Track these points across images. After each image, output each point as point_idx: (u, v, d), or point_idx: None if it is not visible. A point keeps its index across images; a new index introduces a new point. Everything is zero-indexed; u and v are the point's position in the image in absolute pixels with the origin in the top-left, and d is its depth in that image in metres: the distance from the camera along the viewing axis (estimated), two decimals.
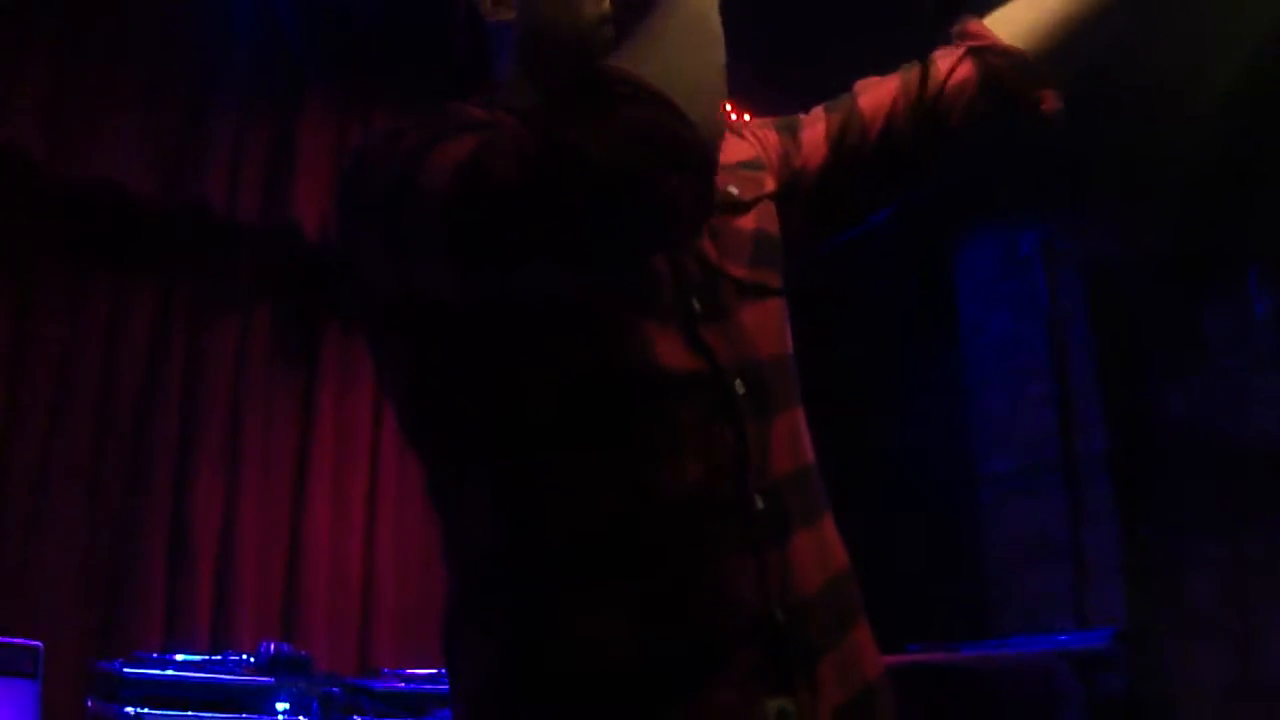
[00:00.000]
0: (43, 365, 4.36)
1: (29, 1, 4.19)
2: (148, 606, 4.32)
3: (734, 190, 1.37)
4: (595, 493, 1.14)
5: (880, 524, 5.05)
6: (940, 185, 1.55)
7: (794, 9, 4.23)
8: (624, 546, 1.13)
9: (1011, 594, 5.32)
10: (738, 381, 1.21)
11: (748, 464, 1.18)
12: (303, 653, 3.72)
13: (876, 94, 1.48)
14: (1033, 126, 1.46)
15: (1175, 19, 3.68)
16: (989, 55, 1.45)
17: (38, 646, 3.43)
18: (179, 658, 3.52)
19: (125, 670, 3.35)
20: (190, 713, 3.31)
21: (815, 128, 1.49)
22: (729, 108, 4.96)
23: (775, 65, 4.18)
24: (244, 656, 3.58)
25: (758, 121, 1.53)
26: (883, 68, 1.52)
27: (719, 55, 1.09)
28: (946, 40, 1.51)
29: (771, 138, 1.49)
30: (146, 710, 3.24)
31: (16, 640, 3.42)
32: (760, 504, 1.18)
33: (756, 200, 1.39)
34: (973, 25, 1.49)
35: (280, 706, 3.45)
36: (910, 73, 1.48)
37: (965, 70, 1.46)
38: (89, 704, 3.43)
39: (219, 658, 3.59)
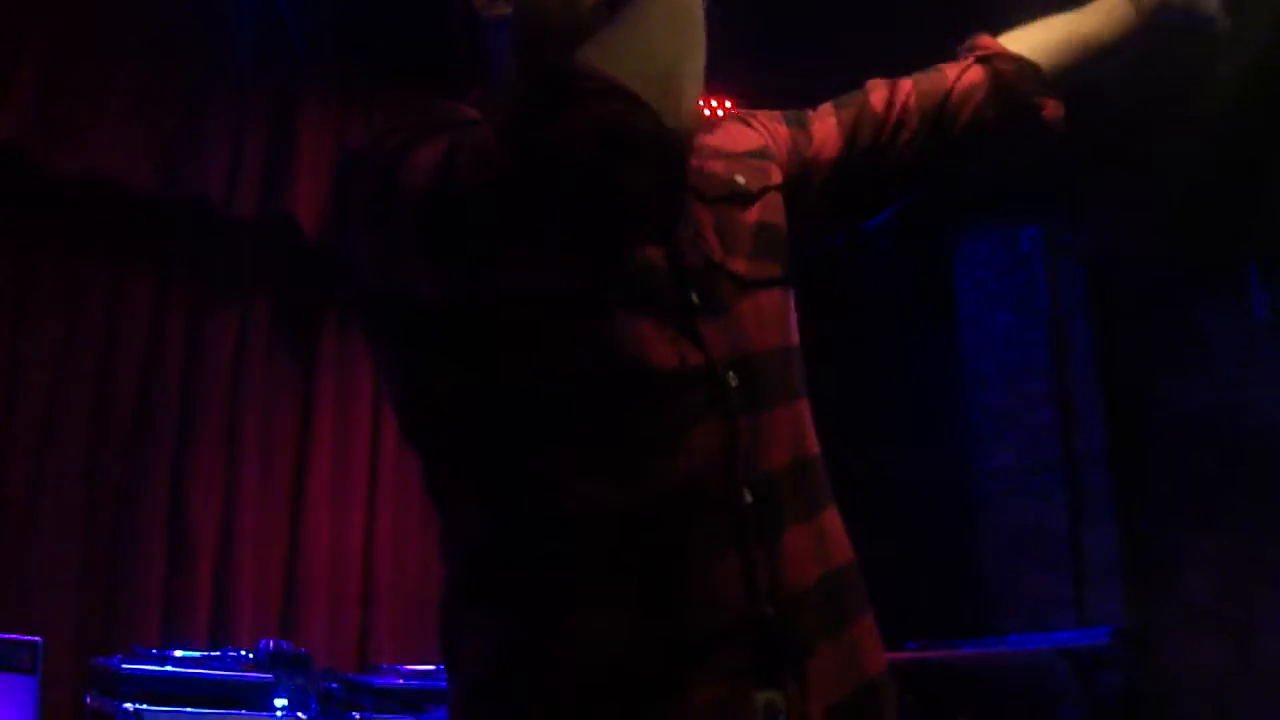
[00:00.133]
0: (41, 360, 4.36)
1: None
2: (146, 602, 4.32)
3: (741, 179, 1.36)
4: (585, 489, 1.14)
5: (879, 520, 5.05)
6: (945, 190, 1.56)
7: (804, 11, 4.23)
8: (612, 542, 1.13)
9: (1011, 590, 5.33)
10: (730, 374, 1.20)
11: (736, 457, 1.18)
12: (301, 649, 3.72)
13: (889, 93, 1.49)
14: (1035, 133, 1.50)
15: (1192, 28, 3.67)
16: (997, 61, 1.49)
17: (36, 642, 3.43)
18: (178, 654, 3.52)
19: (124, 666, 3.35)
20: (189, 709, 3.31)
21: (826, 121, 1.49)
22: (729, 103, 4.94)
23: (781, 64, 4.19)
24: (243, 652, 3.58)
25: (766, 113, 1.53)
26: (887, 69, 1.54)
27: (696, 45, 1.07)
28: (953, 56, 1.54)
29: (780, 130, 1.49)
30: (145, 706, 3.24)
31: (15, 636, 3.41)
32: (749, 498, 1.17)
33: (763, 191, 1.38)
34: (982, 39, 1.53)
35: (279, 703, 3.45)
36: (921, 76, 1.50)
37: (973, 75, 1.49)
38: (87, 700, 3.43)
39: (218, 654, 3.58)
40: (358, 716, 3.51)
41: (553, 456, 1.16)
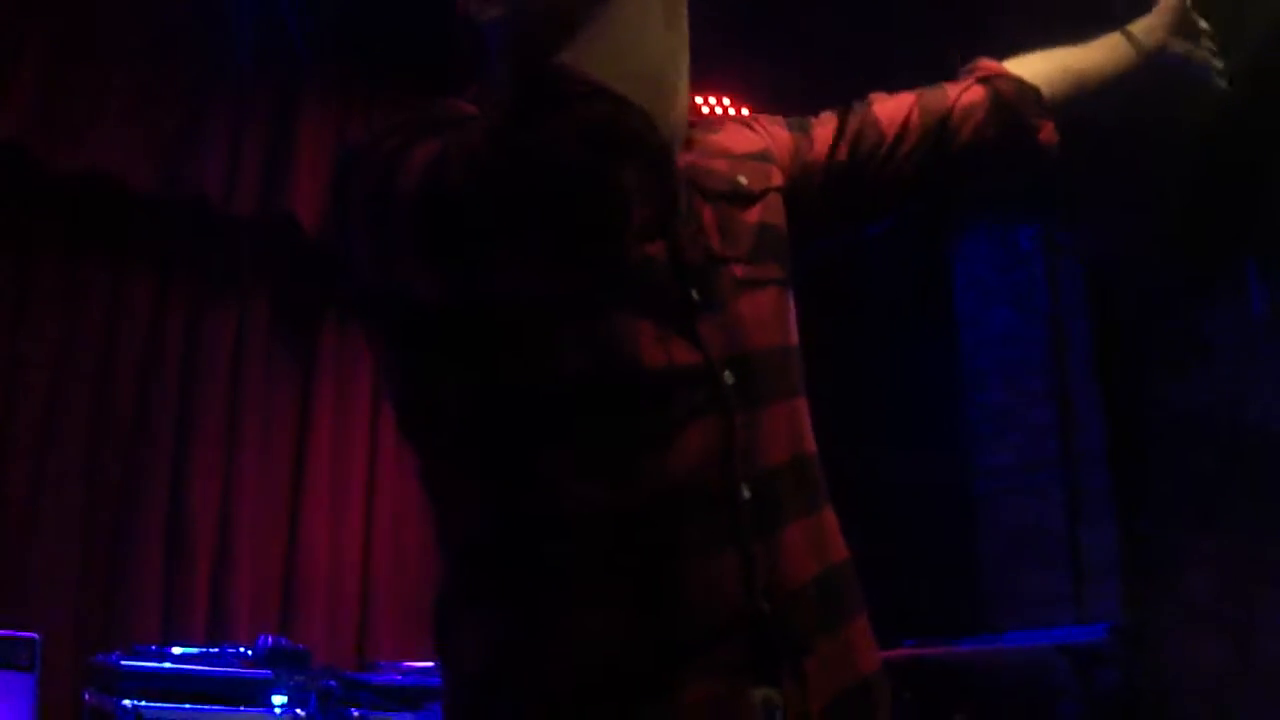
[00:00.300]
0: (41, 358, 4.36)
1: None
2: (145, 599, 4.32)
3: (743, 180, 1.37)
4: (583, 488, 1.14)
5: (878, 518, 5.05)
6: (942, 204, 1.58)
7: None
8: (610, 541, 1.13)
9: (1009, 589, 5.33)
10: (727, 372, 1.21)
11: (734, 455, 1.18)
12: (300, 646, 3.72)
13: (892, 105, 1.51)
14: (1031, 155, 1.53)
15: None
16: (997, 81, 1.51)
17: (35, 639, 3.43)
18: (176, 650, 3.52)
19: (122, 663, 3.35)
20: (187, 705, 3.31)
21: (828, 128, 1.50)
22: (727, 100, 4.94)
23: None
24: (241, 649, 3.59)
25: (767, 117, 1.53)
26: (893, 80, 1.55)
27: (681, 44, 1.07)
28: (954, 65, 1.57)
29: (781, 134, 1.49)
30: (144, 703, 3.24)
31: (13, 633, 3.42)
32: (747, 494, 1.17)
33: (764, 192, 1.38)
34: (984, 61, 1.55)
35: (278, 699, 3.45)
36: (923, 93, 1.52)
37: (974, 94, 1.51)
38: (86, 697, 3.44)
39: (216, 650, 3.59)
40: (356, 713, 3.51)
41: (551, 456, 1.16)
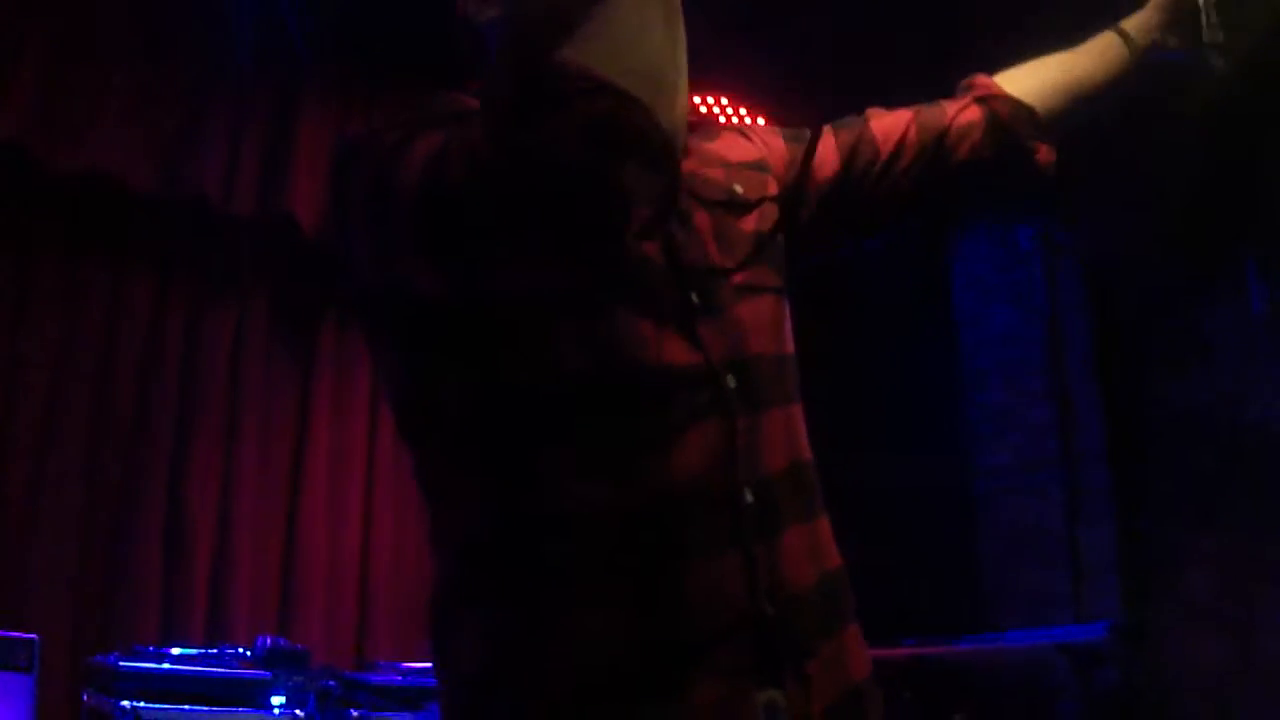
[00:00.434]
0: (40, 359, 4.35)
1: None
2: (144, 600, 4.32)
3: (739, 189, 1.37)
4: (585, 488, 1.14)
5: (878, 518, 5.05)
6: (937, 219, 1.60)
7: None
8: (612, 541, 1.13)
9: (1009, 588, 5.33)
10: (729, 376, 1.21)
11: (736, 458, 1.18)
12: (299, 646, 3.72)
13: (889, 121, 1.52)
14: (1027, 176, 1.54)
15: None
16: (994, 102, 1.52)
17: (33, 640, 3.42)
18: (175, 651, 3.51)
19: (121, 664, 3.34)
20: (186, 706, 3.31)
21: (825, 141, 1.51)
22: (725, 101, 4.93)
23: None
24: (240, 650, 3.58)
25: (764, 128, 1.55)
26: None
27: (679, 40, 1.06)
28: (951, 93, 1.57)
29: (778, 144, 1.50)
30: (142, 704, 3.24)
31: (12, 634, 3.41)
32: (750, 498, 1.18)
33: (760, 201, 1.39)
34: (980, 78, 1.55)
35: (276, 700, 3.45)
36: (921, 110, 1.53)
37: (971, 114, 1.51)
38: (85, 697, 3.43)
39: (215, 651, 3.58)
40: (355, 714, 3.50)
41: (552, 455, 1.16)
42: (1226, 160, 4.54)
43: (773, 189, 1.42)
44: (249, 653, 3.56)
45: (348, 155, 1.20)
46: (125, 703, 3.23)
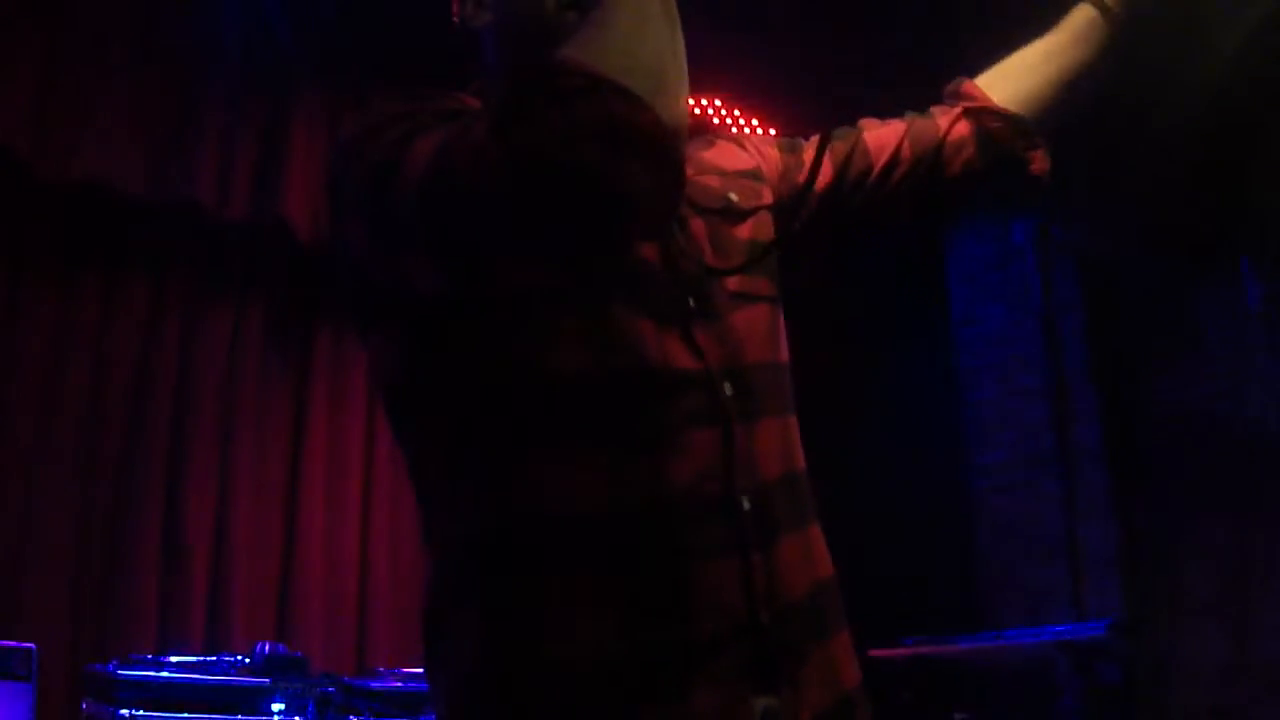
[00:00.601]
0: (34, 365, 4.34)
1: (14, 3, 4.16)
2: (141, 607, 4.30)
3: (734, 197, 1.39)
4: (582, 489, 1.14)
5: (875, 517, 5.05)
6: (929, 220, 1.61)
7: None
8: (610, 544, 1.13)
9: (1008, 585, 5.33)
10: (726, 384, 1.22)
11: (734, 465, 1.18)
12: (298, 653, 3.71)
13: (882, 133, 1.53)
14: (1022, 186, 1.57)
15: (1164, 10, 3.68)
16: (984, 117, 1.53)
17: (31, 649, 3.41)
18: (173, 659, 3.51)
19: (119, 672, 3.34)
20: (185, 714, 3.30)
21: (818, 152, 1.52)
22: (719, 101, 4.93)
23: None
24: (239, 657, 3.57)
25: (758, 136, 1.57)
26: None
27: (677, 40, 1.07)
28: (939, 99, 1.58)
29: (771, 153, 1.52)
30: (141, 712, 3.23)
31: (10, 643, 3.40)
32: (747, 505, 1.18)
33: (755, 210, 1.40)
34: (967, 86, 1.56)
35: (276, 707, 3.44)
36: (914, 121, 1.54)
37: (962, 129, 1.53)
38: (83, 706, 3.42)
39: (213, 659, 3.58)
40: None
41: (550, 455, 1.16)
42: (1220, 156, 4.54)
43: (767, 198, 1.44)
44: (247, 660, 3.55)
45: (349, 150, 1.19)
46: (124, 711, 3.22)
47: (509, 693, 1.14)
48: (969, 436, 5.67)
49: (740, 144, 1.52)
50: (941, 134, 1.52)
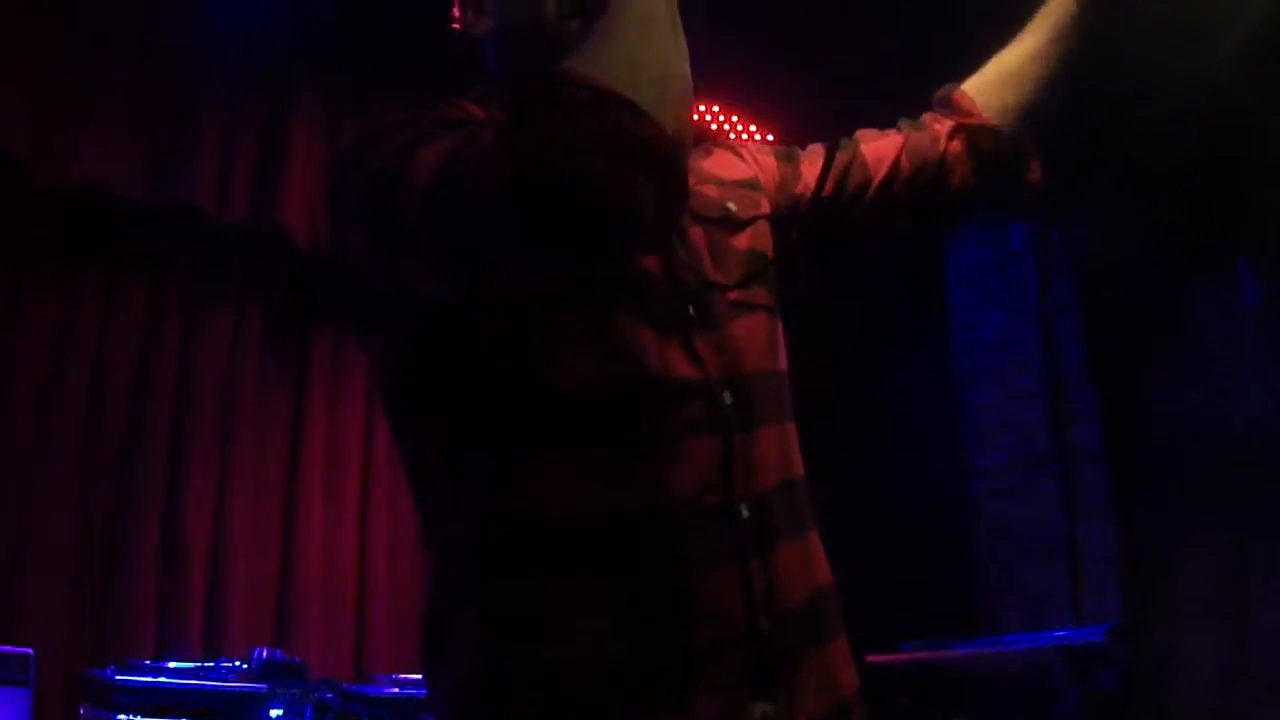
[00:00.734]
0: (33, 368, 4.34)
1: (12, 8, 4.17)
2: (139, 613, 4.30)
3: (732, 207, 1.39)
4: (577, 503, 1.15)
5: (874, 521, 5.05)
6: (926, 230, 1.62)
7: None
8: (610, 549, 1.14)
9: (1006, 589, 5.33)
10: (726, 393, 1.22)
11: (734, 473, 1.19)
12: (295, 658, 3.70)
13: (880, 146, 1.54)
14: (1017, 196, 1.60)
15: (1160, 11, 3.69)
16: (976, 136, 1.53)
17: (29, 654, 3.41)
18: (171, 665, 3.51)
19: (117, 677, 3.34)
20: None
21: (816, 163, 1.53)
22: (715, 106, 4.93)
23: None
24: (236, 663, 3.57)
25: (756, 145, 1.57)
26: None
27: (680, 52, 1.08)
28: (929, 106, 1.58)
29: (769, 163, 1.52)
30: (138, 717, 3.23)
31: (8, 648, 3.40)
32: (746, 513, 1.19)
33: (753, 219, 1.41)
34: (958, 96, 1.56)
35: (274, 713, 3.44)
36: (910, 135, 1.55)
37: (957, 146, 1.53)
38: (81, 711, 3.42)
39: (211, 664, 3.57)
40: None
41: (550, 461, 1.16)
42: (1216, 158, 4.54)
43: (765, 207, 1.44)
44: (245, 665, 3.55)
45: (350, 157, 1.19)
46: (121, 716, 3.23)
47: (509, 695, 1.14)
48: (967, 440, 5.67)
49: (738, 153, 1.52)
50: (939, 150, 1.53)
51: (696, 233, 1.32)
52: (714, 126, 5.03)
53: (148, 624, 4.30)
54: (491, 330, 1.17)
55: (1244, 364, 4.84)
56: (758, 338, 1.31)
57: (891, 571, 4.92)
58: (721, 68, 4.45)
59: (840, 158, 1.53)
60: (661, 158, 0.99)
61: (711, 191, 1.39)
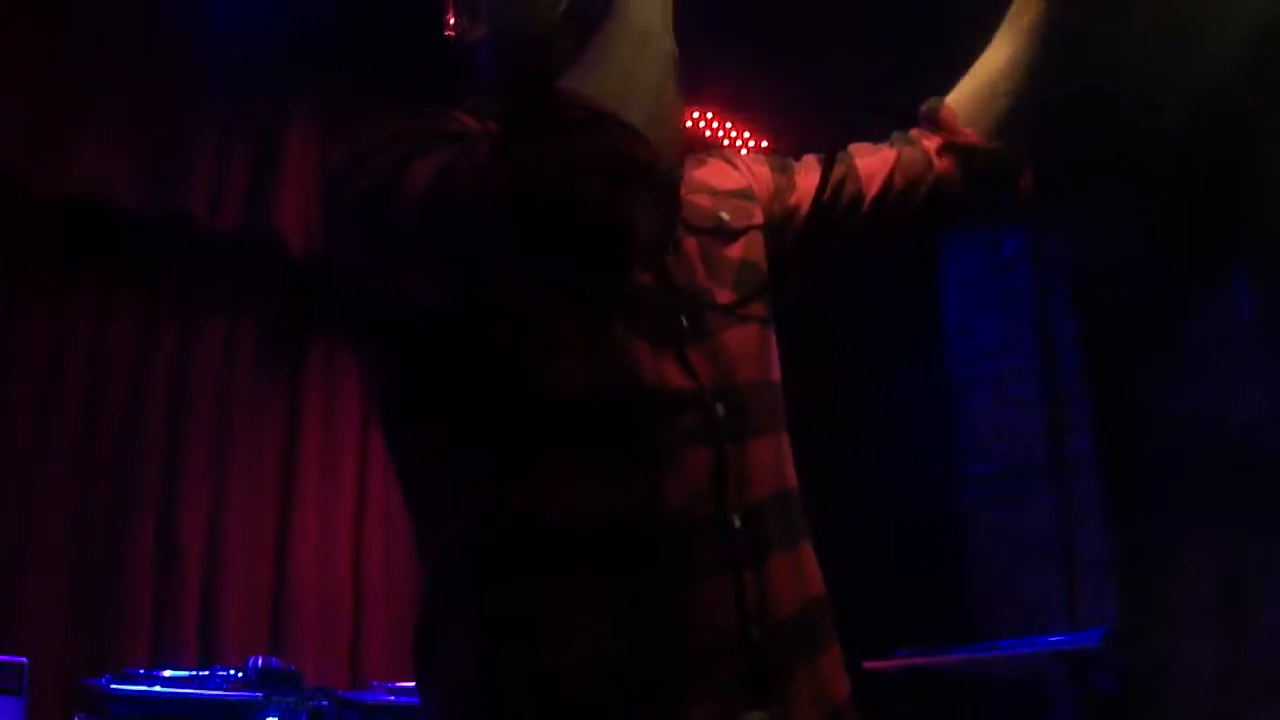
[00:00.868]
0: (28, 377, 4.34)
1: (8, 16, 4.17)
2: (134, 621, 4.29)
3: (726, 216, 1.40)
4: (576, 504, 1.15)
5: (869, 528, 5.05)
6: (919, 237, 1.64)
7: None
8: (603, 559, 1.14)
9: (1002, 596, 5.33)
10: (718, 404, 1.22)
11: (726, 484, 1.19)
12: (291, 666, 3.70)
13: (873, 161, 1.55)
14: (1010, 206, 1.60)
15: (1155, 17, 3.70)
16: (965, 155, 1.54)
17: (23, 663, 3.40)
18: (166, 673, 3.50)
19: (112, 686, 3.33)
20: None
21: (810, 175, 1.54)
22: (710, 113, 4.93)
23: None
24: (231, 671, 3.57)
25: (750, 155, 1.58)
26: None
27: (671, 71, 1.09)
28: (916, 121, 1.59)
29: (764, 173, 1.53)
30: None
31: (2, 657, 3.39)
32: (738, 524, 1.19)
33: (746, 229, 1.41)
34: (943, 113, 1.56)
35: None
36: (903, 151, 1.55)
37: (947, 165, 1.54)
38: None
39: (207, 673, 3.57)
40: None
41: (542, 471, 1.16)
42: (1212, 162, 4.55)
43: (758, 217, 1.45)
44: (240, 674, 3.54)
45: (346, 167, 1.19)
46: None
47: (505, 701, 1.14)
48: (963, 447, 5.67)
49: (732, 162, 1.53)
50: (930, 167, 1.54)
51: (689, 243, 1.33)
52: (708, 134, 5.03)
53: (143, 632, 4.29)
54: (487, 340, 1.17)
55: (1241, 367, 4.84)
56: (751, 349, 1.32)
57: (888, 577, 4.92)
58: (716, 75, 4.45)
59: (835, 170, 1.53)
60: (656, 178, 1.00)
61: (704, 201, 1.40)
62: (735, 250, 1.38)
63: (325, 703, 3.56)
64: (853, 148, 1.57)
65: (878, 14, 4.31)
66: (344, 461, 5.00)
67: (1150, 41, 3.67)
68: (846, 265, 1.61)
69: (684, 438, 1.18)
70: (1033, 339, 5.47)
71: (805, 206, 1.51)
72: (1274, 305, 4.65)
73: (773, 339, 1.38)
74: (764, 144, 5.16)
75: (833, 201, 1.51)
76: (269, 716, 3.44)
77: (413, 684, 3.76)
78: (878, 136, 1.59)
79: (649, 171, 0.99)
